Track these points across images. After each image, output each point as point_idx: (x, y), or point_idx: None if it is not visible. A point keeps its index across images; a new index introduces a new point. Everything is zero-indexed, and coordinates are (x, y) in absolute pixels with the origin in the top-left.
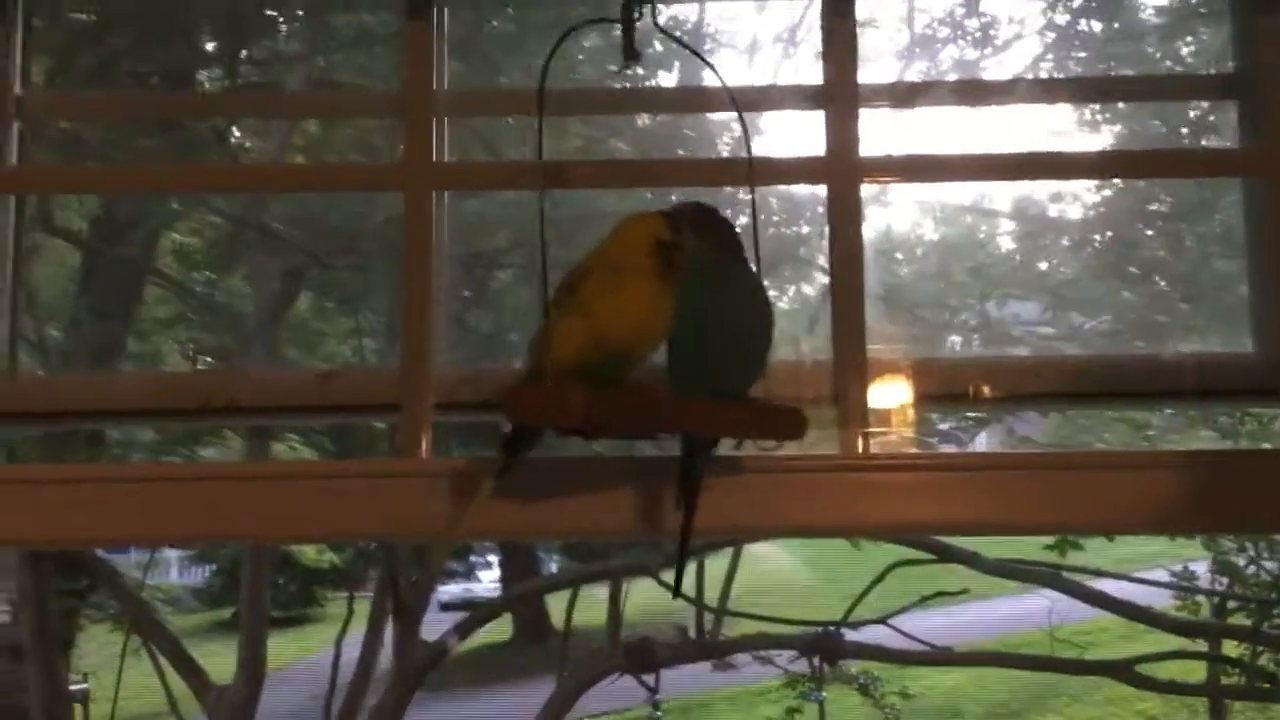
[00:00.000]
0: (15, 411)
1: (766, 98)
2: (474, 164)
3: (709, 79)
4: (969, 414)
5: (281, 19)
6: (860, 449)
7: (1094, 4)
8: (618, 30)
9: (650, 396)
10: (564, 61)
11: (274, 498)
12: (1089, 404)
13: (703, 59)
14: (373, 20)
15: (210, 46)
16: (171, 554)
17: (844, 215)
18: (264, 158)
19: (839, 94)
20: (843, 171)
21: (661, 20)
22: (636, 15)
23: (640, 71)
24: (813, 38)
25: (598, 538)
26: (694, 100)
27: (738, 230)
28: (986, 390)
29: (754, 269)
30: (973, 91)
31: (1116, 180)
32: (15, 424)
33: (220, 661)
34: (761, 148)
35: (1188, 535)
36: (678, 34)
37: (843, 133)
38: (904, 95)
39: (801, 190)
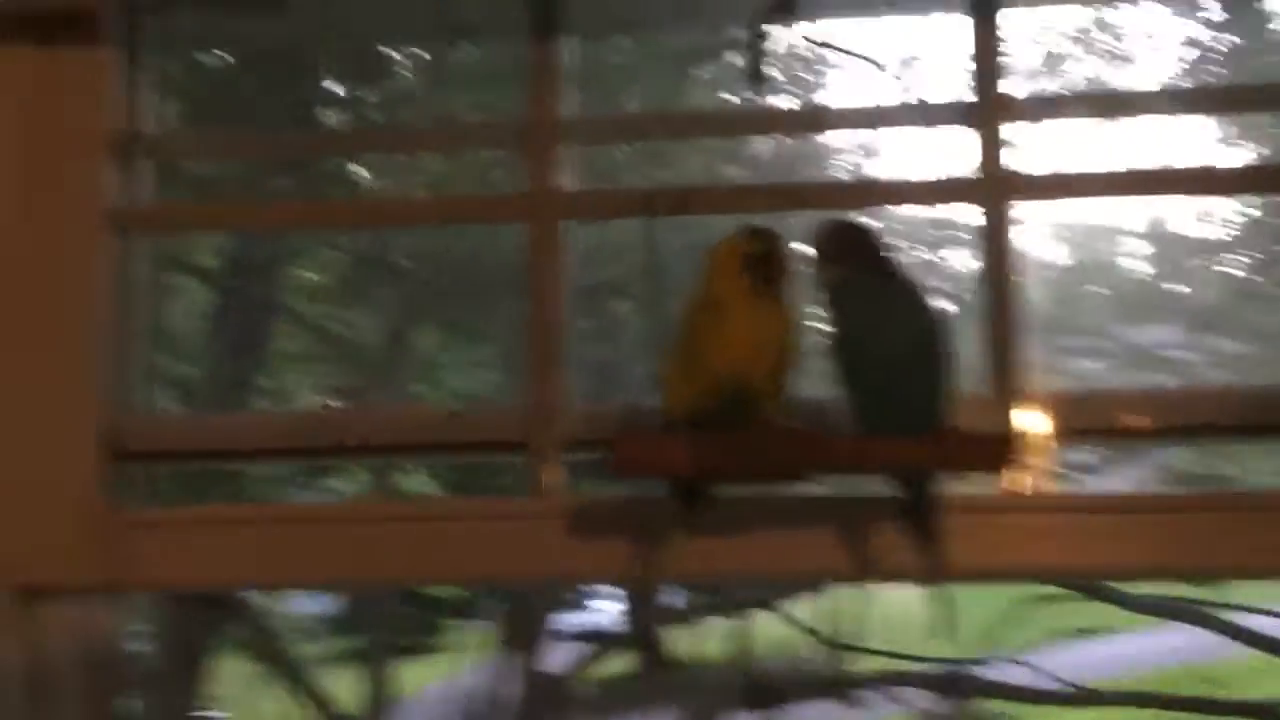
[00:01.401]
0: (155, 451)
1: (912, 114)
2: (600, 192)
3: (833, 100)
4: (1115, 447)
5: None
6: (1029, 488)
7: (1232, 18)
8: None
9: (779, 434)
10: (686, 82)
11: (407, 538)
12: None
13: (864, 57)
14: (493, 58)
15: (336, 88)
16: None
17: (999, 237)
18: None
19: (986, 108)
20: (997, 190)
21: (782, 48)
22: (762, 36)
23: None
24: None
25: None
26: (822, 119)
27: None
28: (1145, 421)
29: (914, 286)
30: (1120, 103)
31: (1257, 201)
32: (155, 463)
33: (349, 690)
34: (875, 170)
35: None
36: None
37: (990, 148)
38: (1053, 108)
39: (913, 213)
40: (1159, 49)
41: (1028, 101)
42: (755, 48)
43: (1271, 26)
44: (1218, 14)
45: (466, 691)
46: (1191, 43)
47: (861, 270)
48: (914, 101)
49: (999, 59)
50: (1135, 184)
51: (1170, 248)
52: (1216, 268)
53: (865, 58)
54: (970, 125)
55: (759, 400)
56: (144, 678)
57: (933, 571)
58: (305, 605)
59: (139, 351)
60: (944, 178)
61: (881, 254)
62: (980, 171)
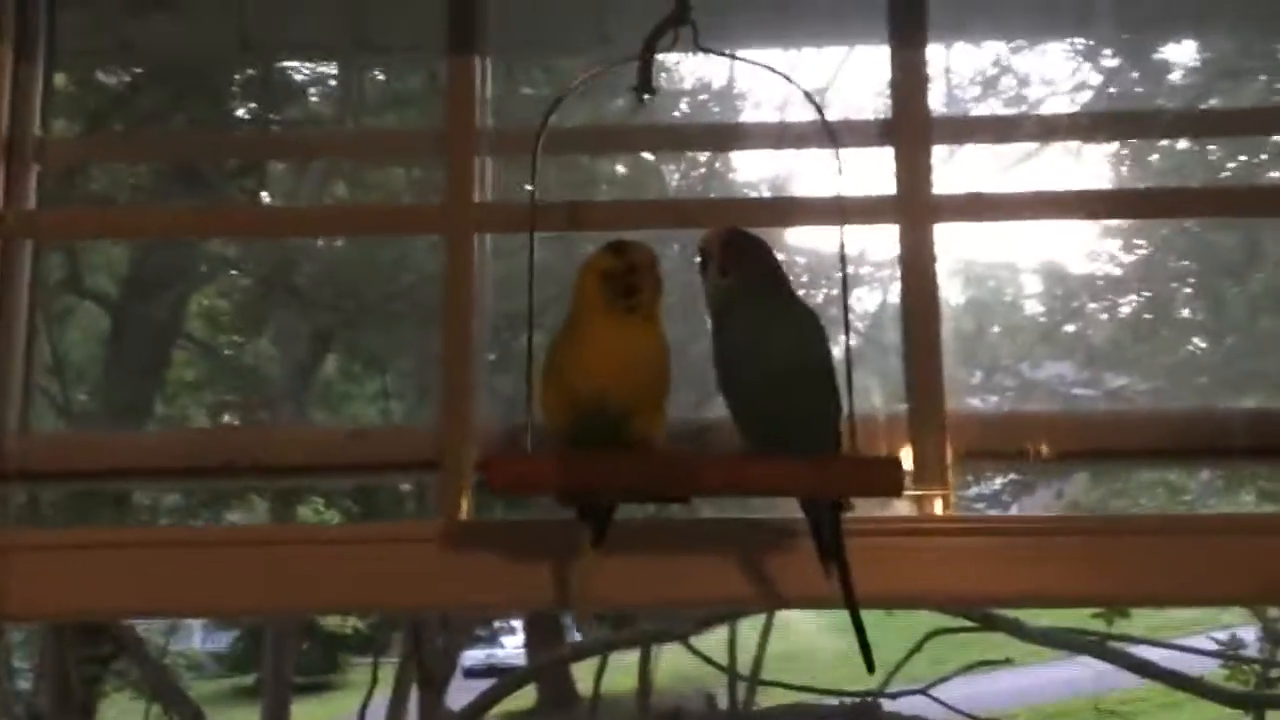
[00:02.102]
0: (33, 471)
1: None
2: (518, 205)
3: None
4: (1020, 475)
5: (310, 81)
6: (941, 511)
7: (1127, 64)
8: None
9: (650, 455)
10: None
11: (309, 565)
12: (1184, 461)
13: (776, 71)
14: (402, 84)
15: (241, 112)
16: (195, 620)
17: (919, 257)
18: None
19: (911, 129)
20: (916, 210)
21: (688, 84)
22: (653, 48)
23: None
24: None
25: (715, 607)
26: (741, 135)
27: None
28: (1044, 449)
29: (801, 302)
30: (1048, 127)
31: (1145, 240)
32: (33, 483)
33: None
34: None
35: None
36: (703, 96)
37: (915, 170)
38: (979, 132)
39: (821, 244)
40: (1057, 94)
41: (953, 121)
42: (646, 59)
43: (1170, 77)
44: (1114, 61)
45: None
46: (1087, 87)
47: (748, 281)
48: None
49: (924, 80)
50: (1056, 206)
51: (1063, 285)
52: (1107, 305)
53: (777, 72)
54: (893, 144)
55: (626, 419)
56: (28, 718)
57: (845, 596)
58: (200, 642)
59: (17, 365)
60: (866, 195)
61: (771, 266)
62: (902, 192)
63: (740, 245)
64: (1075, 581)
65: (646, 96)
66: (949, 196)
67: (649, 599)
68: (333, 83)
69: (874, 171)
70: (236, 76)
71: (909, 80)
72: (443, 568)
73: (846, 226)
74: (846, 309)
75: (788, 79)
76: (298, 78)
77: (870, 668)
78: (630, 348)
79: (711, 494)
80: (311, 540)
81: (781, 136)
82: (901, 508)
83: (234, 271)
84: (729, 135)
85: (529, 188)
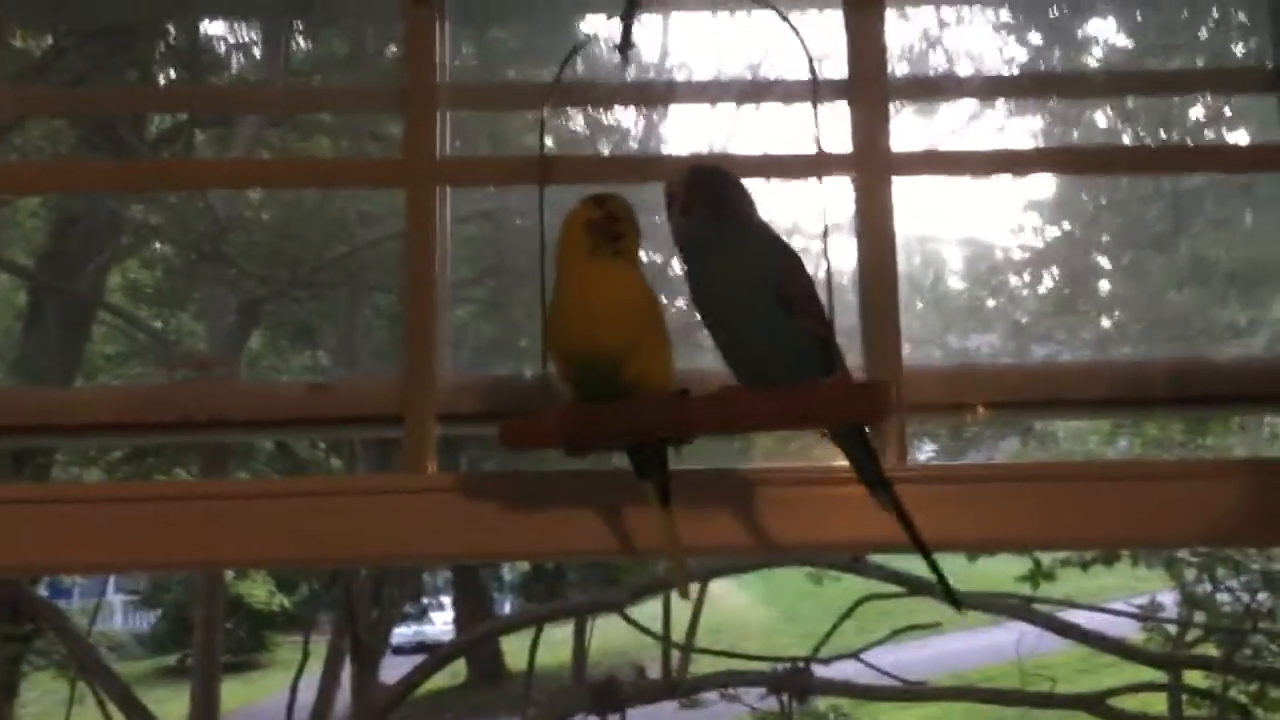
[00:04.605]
0: None
1: (790, 89)
2: (479, 158)
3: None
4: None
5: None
6: (899, 460)
7: (1052, 45)
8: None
9: (643, 401)
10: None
11: (269, 519)
12: (1157, 411)
13: (786, 20)
14: (331, 49)
15: (163, 80)
16: (116, 599)
17: (875, 212)
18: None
19: (867, 85)
20: (873, 165)
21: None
22: (636, 4)
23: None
24: (779, 71)
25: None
26: (700, 91)
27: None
28: (988, 406)
29: (771, 232)
30: (1005, 86)
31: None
32: None
33: (168, 708)
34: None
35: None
36: (634, 70)
37: (872, 125)
38: (934, 88)
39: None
40: (983, 69)
41: (910, 79)
42: (629, 15)
43: (1094, 52)
44: (1038, 37)
45: (293, 707)
46: (1012, 63)
47: (711, 217)
48: (789, 78)
49: (881, 37)
50: (1011, 162)
51: (985, 261)
52: (1027, 280)
53: (787, 21)
54: (851, 100)
55: (617, 366)
56: None
57: (907, 531)
58: (121, 622)
59: None
60: (823, 152)
61: (733, 198)
62: (860, 147)
63: (703, 182)
64: (1027, 527)
65: (627, 52)
66: (906, 153)
67: (709, 546)
68: (256, 52)
69: (826, 130)
70: (160, 44)
71: (866, 34)
72: (412, 520)
73: (807, 181)
74: (828, 256)
75: (795, 31)
76: (221, 47)
77: (957, 605)
78: (611, 291)
79: (704, 432)
80: (299, 493)
81: (746, 91)
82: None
83: (158, 245)
84: (691, 93)
85: (547, 141)
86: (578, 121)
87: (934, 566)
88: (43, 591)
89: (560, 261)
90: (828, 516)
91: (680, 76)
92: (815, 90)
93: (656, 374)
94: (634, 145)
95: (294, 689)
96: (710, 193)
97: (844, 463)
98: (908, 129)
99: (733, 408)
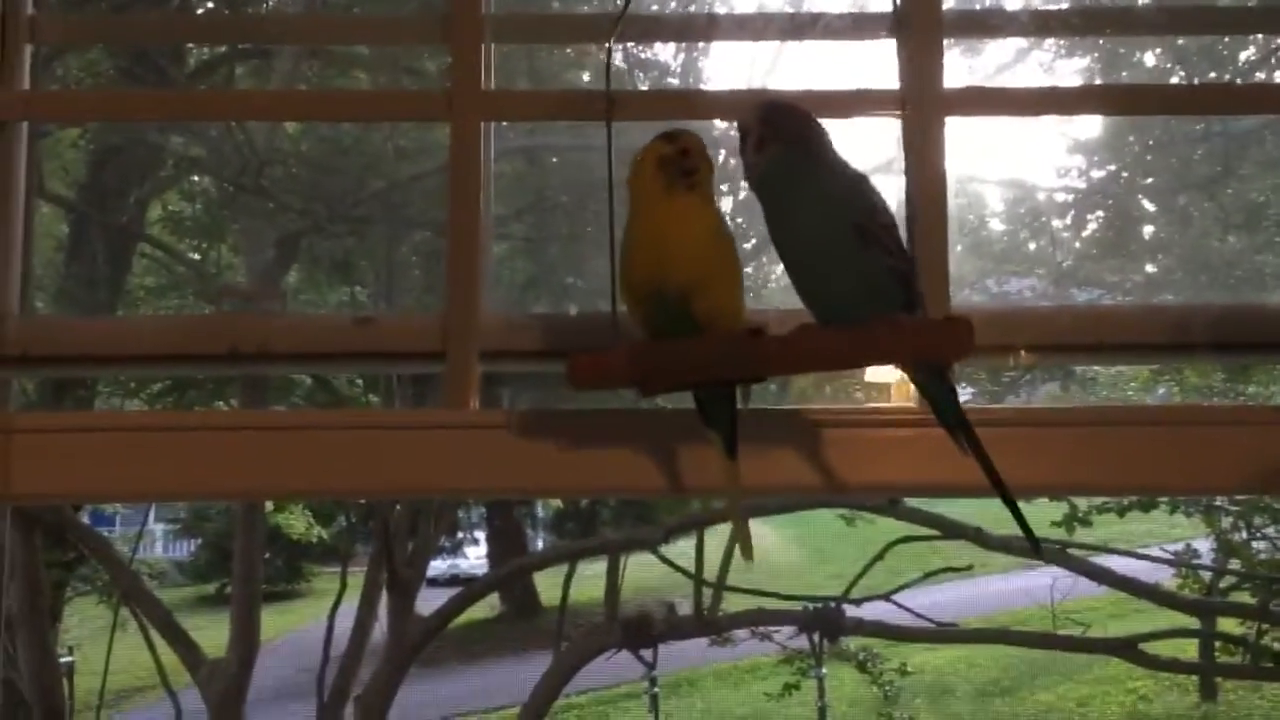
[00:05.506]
0: (16, 356)
1: (836, 25)
2: (526, 92)
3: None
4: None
5: None
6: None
7: None
8: None
9: (713, 340)
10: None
11: (310, 451)
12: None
13: None
14: None
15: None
16: (158, 528)
17: (927, 151)
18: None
19: (920, 20)
20: (926, 103)
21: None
22: None
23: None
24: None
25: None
26: (746, 26)
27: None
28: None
29: (846, 166)
30: (1055, 22)
31: (1110, 159)
32: (20, 369)
33: (207, 635)
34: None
35: None
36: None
37: (925, 62)
38: (985, 24)
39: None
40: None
41: (961, 14)
42: None
43: None
44: None
45: (330, 636)
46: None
47: (785, 153)
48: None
49: None
50: (1064, 101)
51: (1027, 203)
52: (1070, 223)
53: None
54: (900, 36)
55: (686, 301)
56: None
57: (985, 471)
58: (162, 550)
59: (16, 249)
60: (870, 89)
61: (807, 134)
62: (912, 84)
63: (777, 118)
64: (1069, 472)
65: None
66: (960, 89)
67: (782, 486)
68: None
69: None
70: None
71: None
72: (453, 455)
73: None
74: (909, 193)
75: None
76: None
77: (1036, 549)
78: (684, 226)
79: (778, 372)
80: (351, 425)
81: (792, 27)
82: (901, 399)
83: (197, 178)
84: (712, 27)
85: (583, 76)
86: (616, 58)
87: (1015, 510)
88: (85, 519)
89: (634, 199)
90: (892, 458)
91: (722, 10)
92: (897, 20)
93: (728, 311)
94: (674, 81)
95: (331, 619)
96: (785, 129)
97: (902, 404)
98: (951, 68)
99: (808, 344)
